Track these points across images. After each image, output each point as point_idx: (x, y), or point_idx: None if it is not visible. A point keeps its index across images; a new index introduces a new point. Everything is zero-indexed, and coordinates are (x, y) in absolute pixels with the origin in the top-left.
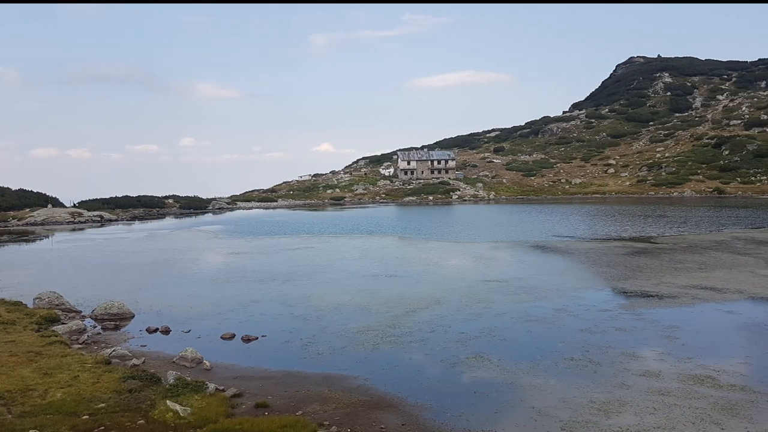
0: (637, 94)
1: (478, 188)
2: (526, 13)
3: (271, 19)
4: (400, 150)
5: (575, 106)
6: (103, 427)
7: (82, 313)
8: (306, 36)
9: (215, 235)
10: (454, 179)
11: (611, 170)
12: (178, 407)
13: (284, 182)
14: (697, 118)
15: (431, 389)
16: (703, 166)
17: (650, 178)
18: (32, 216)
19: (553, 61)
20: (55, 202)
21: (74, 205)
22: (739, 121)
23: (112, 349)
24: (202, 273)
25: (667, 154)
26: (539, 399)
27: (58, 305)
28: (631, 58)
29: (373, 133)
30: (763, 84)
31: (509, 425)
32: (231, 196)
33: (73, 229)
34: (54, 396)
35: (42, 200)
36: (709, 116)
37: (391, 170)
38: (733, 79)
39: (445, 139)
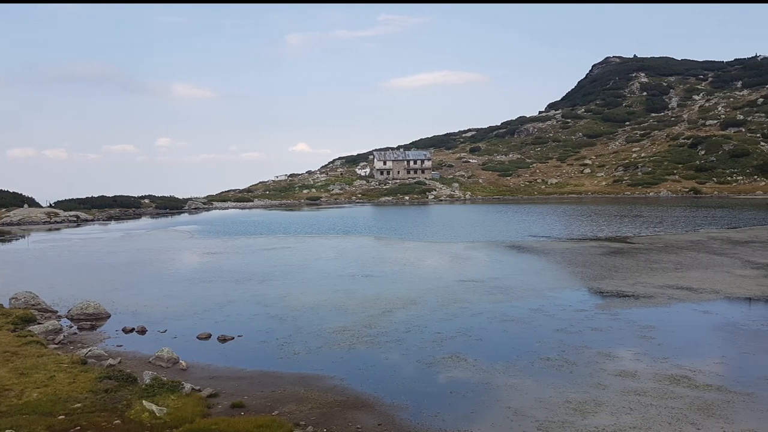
0: (613, 94)
1: (454, 188)
2: (503, 13)
3: (246, 18)
4: (376, 150)
5: (551, 106)
6: (79, 427)
7: (59, 313)
8: (282, 36)
9: (191, 235)
10: (430, 179)
11: (587, 170)
12: (154, 407)
13: (260, 182)
14: (673, 118)
15: (407, 389)
16: (679, 166)
17: (626, 178)
18: (8, 216)
19: (529, 61)
20: (32, 202)
21: (50, 205)
22: (715, 121)
23: (88, 349)
24: (178, 273)
25: (643, 154)
26: (515, 399)
27: (34, 305)
28: (607, 58)
29: (349, 133)
30: (739, 84)
31: (485, 425)
32: (207, 196)
33: (50, 229)
34: (30, 396)
35: (18, 200)
36: (685, 116)
37: (367, 170)
38: (709, 79)
39: (421, 139)
